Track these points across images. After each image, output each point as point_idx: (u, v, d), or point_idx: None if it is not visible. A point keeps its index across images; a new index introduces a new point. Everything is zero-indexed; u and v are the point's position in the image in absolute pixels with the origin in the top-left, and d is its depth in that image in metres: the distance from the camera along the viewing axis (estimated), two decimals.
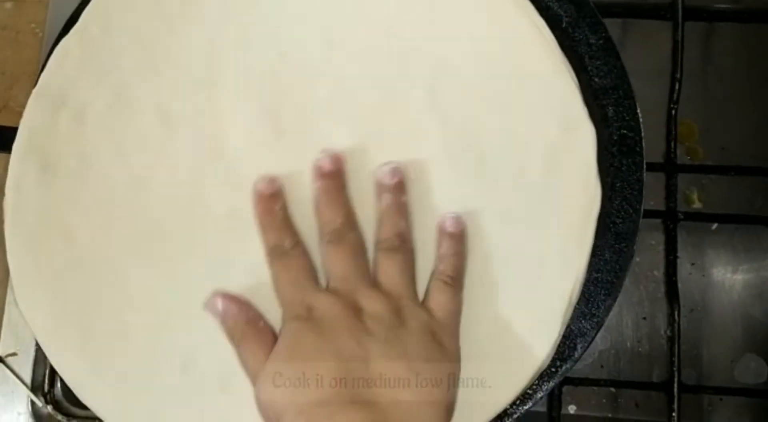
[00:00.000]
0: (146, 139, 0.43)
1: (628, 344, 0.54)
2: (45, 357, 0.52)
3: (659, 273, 0.53)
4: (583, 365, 0.53)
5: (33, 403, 0.52)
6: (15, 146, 0.43)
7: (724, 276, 0.54)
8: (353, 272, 0.37)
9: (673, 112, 0.49)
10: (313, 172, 0.40)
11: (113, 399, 0.41)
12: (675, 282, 0.49)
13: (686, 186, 0.54)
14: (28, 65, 0.60)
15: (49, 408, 0.52)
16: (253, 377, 0.36)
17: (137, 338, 0.41)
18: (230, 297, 0.39)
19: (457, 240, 0.40)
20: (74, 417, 0.52)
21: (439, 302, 0.38)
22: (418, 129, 0.43)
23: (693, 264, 0.54)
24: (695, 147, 0.55)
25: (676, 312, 0.48)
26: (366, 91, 0.43)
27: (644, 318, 0.54)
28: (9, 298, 0.54)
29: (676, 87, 0.49)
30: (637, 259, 0.54)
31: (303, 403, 0.33)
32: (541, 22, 0.43)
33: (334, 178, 0.40)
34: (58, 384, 0.53)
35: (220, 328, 0.39)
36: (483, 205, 0.42)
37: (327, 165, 0.40)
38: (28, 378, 0.53)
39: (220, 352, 0.40)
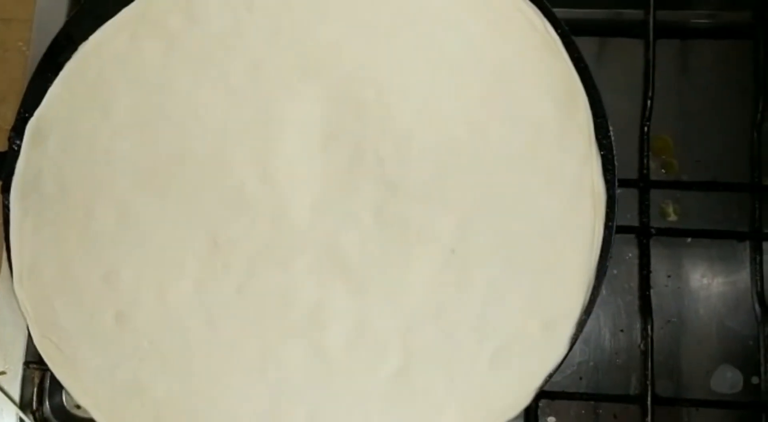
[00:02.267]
0: None
1: (606, 356, 0.55)
2: (33, 376, 0.54)
3: (636, 285, 0.53)
4: (562, 376, 0.54)
5: (22, 421, 0.53)
6: None
7: (700, 288, 0.55)
8: None
9: (646, 129, 0.50)
10: None
11: None
12: (648, 297, 0.49)
13: (662, 199, 0.55)
14: (15, 83, 0.60)
15: None
16: None
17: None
18: None
19: None
20: None
21: None
22: None
23: (669, 276, 0.55)
24: (671, 160, 0.56)
25: (649, 327, 0.48)
26: None
27: (621, 331, 0.55)
28: None
29: (648, 105, 0.50)
30: (615, 272, 0.55)
31: None
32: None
33: None
34: (47, 403, 0.54)
35: None
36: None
37: None
38: (16, 396, 0.53)
39: None
